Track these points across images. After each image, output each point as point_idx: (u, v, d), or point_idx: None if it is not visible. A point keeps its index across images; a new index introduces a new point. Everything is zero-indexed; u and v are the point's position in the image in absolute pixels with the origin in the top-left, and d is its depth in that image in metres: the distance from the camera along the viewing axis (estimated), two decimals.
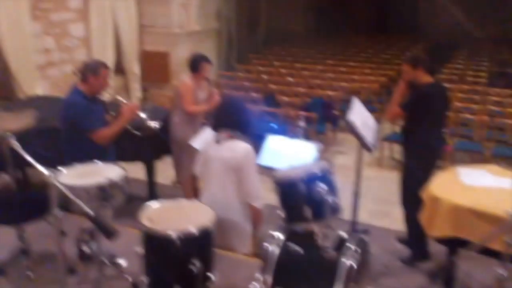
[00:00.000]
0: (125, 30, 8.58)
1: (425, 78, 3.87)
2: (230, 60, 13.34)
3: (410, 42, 13.16)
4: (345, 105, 7.96)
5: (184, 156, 4.78)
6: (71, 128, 3.53)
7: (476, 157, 5.99)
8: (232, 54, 13.76)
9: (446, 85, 8.22)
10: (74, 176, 2.83)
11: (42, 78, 7.03)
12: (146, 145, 4.64)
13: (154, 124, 3.99)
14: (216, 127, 3.13)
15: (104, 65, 3.63)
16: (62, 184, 2.28)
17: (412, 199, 3.78)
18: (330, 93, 7.75)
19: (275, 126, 5.98)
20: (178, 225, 2.45)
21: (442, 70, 9.50)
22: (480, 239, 2.98)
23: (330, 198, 2.39)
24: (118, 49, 8.55)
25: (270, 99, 7.73)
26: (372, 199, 5.30)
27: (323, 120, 6.94)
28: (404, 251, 4.18)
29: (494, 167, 3.80)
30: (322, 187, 2.43)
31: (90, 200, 2.67)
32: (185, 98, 4.63)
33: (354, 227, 4.65)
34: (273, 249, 2.47)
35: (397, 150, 6.74)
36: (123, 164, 4.00)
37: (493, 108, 6.80)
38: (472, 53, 11.68)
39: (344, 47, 12.60)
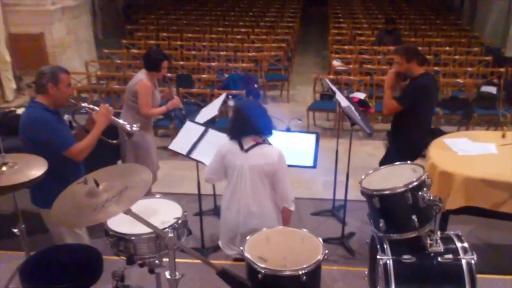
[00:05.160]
0: None
1: (419, 70, 3.77)
2: (97, 34, 12.07)
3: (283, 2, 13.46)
4: (256, 76, 7.95)
5: (143, 159, 4.35)
6: (38, 147, 2.87)
7: None
8: (98, 26, 12.49)
9: (340, 47, 8.78)
10: (128, 220, 2.29)
11: None
12: (107, 152, 4.06)
13: (134, 127, 3.52)
14: (237, 135, 2.94)
15: (62, 70, 3.04)
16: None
17: None
18: (244, 65, 7.58)
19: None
20: (295, 261, 2.37)
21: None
22: (492, 205, 3.35)
23: (434, 203, 2.36)
24: None
25: (181, 78, 7.27)
26: (322, 171, 5.24)
27: (246, 96, 6.78)
28: None
29: (470, 133, 4.15)
30: (425, 193, 2.40)
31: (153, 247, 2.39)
32: (144, 100, 4.15)
33: (333, 204, 4.75)
34: (387, 262, 2.41)
35: (318, 117, 7.03)
36: None
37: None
38: (344, 11, 12.40)
39: (222, 10, 12.32)
